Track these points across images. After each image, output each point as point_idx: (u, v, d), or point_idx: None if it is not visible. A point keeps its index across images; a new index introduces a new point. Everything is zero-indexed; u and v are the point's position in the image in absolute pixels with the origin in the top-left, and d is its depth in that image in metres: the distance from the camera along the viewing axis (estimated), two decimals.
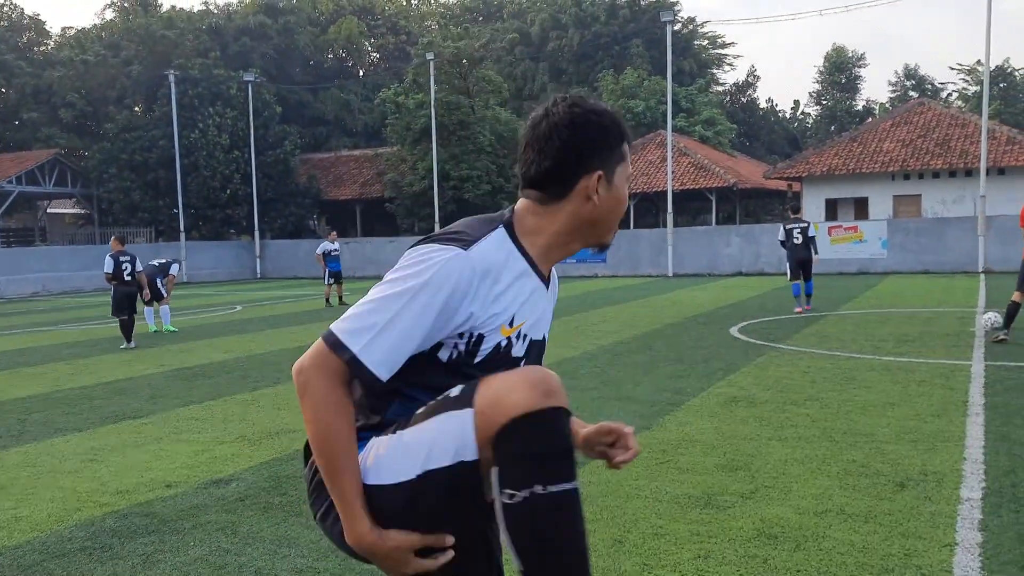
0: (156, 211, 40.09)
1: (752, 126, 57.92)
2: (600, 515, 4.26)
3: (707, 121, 42.47)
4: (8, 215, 44.37)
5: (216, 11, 52.40)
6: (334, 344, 1.61)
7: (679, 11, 50.66)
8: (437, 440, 1.58)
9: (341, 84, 51.82)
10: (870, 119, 48.84)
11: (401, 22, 57.85)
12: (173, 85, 37.43)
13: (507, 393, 1.54)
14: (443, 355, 1.69)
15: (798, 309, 14.50)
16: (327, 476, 1.63)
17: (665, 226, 31.06)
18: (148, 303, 14.24)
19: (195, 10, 51.66)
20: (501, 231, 1.72)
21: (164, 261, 14.63)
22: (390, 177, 38.39)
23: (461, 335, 1.65)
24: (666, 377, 8.26)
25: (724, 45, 58.52)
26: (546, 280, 1.81)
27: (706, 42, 56.99)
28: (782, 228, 15.23)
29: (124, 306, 12.01)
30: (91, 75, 43.32)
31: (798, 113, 63.29)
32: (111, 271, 12.08)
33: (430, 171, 35.25)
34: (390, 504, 1.63)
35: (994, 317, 10.98)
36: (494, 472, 1.55)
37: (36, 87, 44.77)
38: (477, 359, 1.68)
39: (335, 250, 19.41)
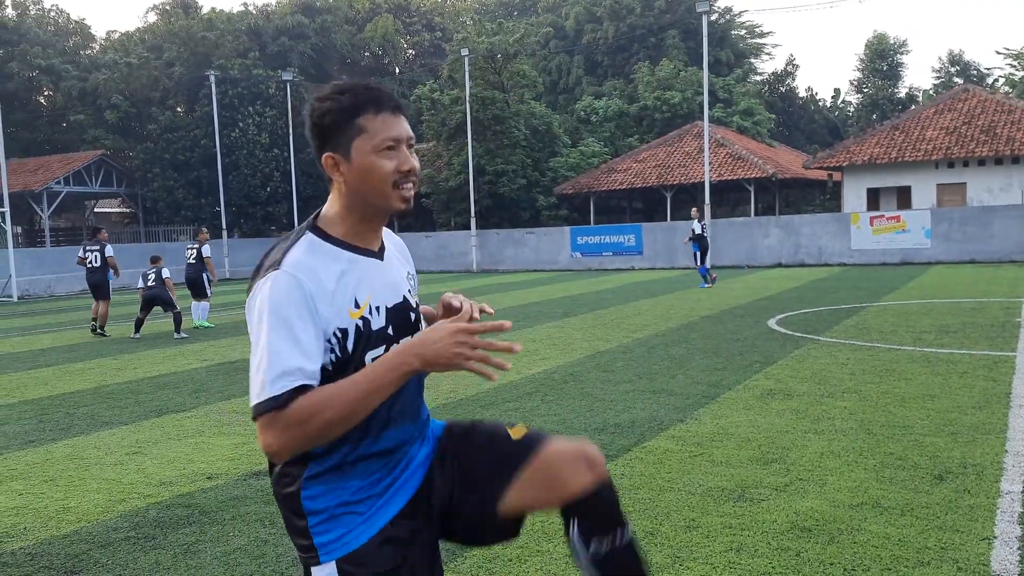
0: (199, 209, 40.79)
1: (791, 115, 57.08)
2: (633, 507, 4.27)
3: (745, 111, 41.98)
4: (57, 215, 45.49)
5: (255, 12, 53.10)
6: (256, 411, 1.69)
7: (715, 1, 50.11)
8: None
9: (377, 81, 52.11)
10: (913, 106, 47.87)
11: (436, 19, 58.07)
12: (214, 85, 38.01)
13: (573, 474, 1.94)
14: (327, 362, 1.77)
15: (708, 285, 19.28)
16: (368, 402, 1.72)
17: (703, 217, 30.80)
18: (197, 298, 14.84)
19: (235, 11, 52.39)
20: (307, 236, 1.84)
21: (196, 252, 15.17)
22: (426, 173, 38.60)
23: (328, 340, 1.76)
24: (701, 370, 8.22)
25: (762, 34, 57.83)
26: (377, 252, 1.91)
27: (743, 32, 56.30)
28: (697, 223, 20.16)
29: (146, 307, 14.00)
30: (135, 77, 44.17)
31: (838, 102, 62.20)
32: (141, 285, 14.24)
33: (465, 166, 35.38)
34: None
35: None
36: (575, 527, 1.95)
37: (82, 90, 45.78)
38: (350, 348, 1.79)
39: None
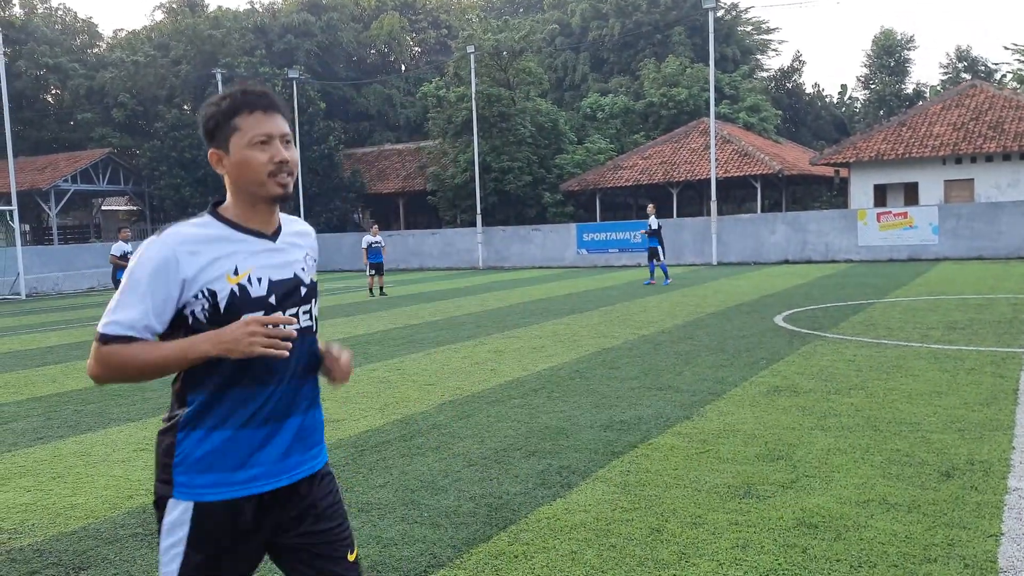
0: (206, 207, 40.78)
1: (798, 112, 56.91)
2: (638, 504, 4.27)
3: (751, 108, 41.86)
4: (64, 213, 45.64)
5: (261, 10, 53.15)
6: (95, 337, 1.99)
7: None
8: None
9: (383, 79, 52.18)
10: (920, 102, 47.68)
11: (442, 16, 58.04)
12: (220, 83, 38.06)
13: None
14: (200, 316, 2.01)
15: (652, 282, 19.99)
16: (162, 372, 1.99)
17: (709, 214, 30.74)
18: None
19: (241, 9, 52.49)
20: (204, 215, 2.13)
21: None
22: (432, 170, 38.59)
23: (197, 296, 2.01)
24: (708, 367, 8.21)
25: (768, 30, 57.64)
26: (269, 235, 2.13)
27: (750, 28, 56.15)
28: (654, 219, 19.94)
29: None
30: (141, 75, 44.28)
31: (845, 98, 62.00)
32: None
33: (471, 163, 35.37)
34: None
35: None
36: None
37: (89, 88, 45.91)
38: (222, 308, 2.01)
39: (376, 242, 20.42)
